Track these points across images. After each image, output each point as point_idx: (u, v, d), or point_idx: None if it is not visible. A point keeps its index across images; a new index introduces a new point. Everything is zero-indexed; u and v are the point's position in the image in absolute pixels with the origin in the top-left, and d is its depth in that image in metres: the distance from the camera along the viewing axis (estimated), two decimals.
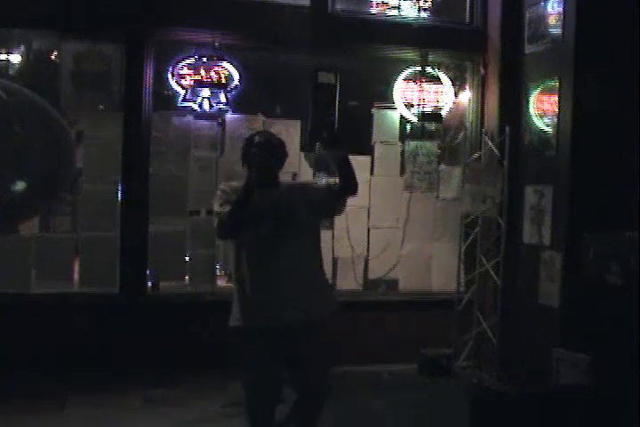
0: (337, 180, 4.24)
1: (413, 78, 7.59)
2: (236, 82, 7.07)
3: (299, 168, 7.28)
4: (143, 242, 6.89)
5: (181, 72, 6.96)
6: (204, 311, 6.81)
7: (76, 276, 6.85)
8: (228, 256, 7.05)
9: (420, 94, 7.57)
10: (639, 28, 6.31)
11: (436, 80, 7.64)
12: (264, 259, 4.18)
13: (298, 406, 4.48)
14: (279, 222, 4.19)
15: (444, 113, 7.70)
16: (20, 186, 5.90)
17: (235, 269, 4.32)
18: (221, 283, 7.38)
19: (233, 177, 6.94)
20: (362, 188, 7.38)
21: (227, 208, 4.12)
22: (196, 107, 7.00)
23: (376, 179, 7.67)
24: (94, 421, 5.59)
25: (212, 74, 7.00)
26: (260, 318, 4.22)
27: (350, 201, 7.30)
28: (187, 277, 7.17)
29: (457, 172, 7.76)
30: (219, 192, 4.32)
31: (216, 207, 4.25)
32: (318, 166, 4.63)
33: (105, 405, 5.94)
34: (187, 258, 7.17)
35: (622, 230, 5.77)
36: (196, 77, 6.96)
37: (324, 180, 4.22)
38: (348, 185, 4.26)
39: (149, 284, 7.01)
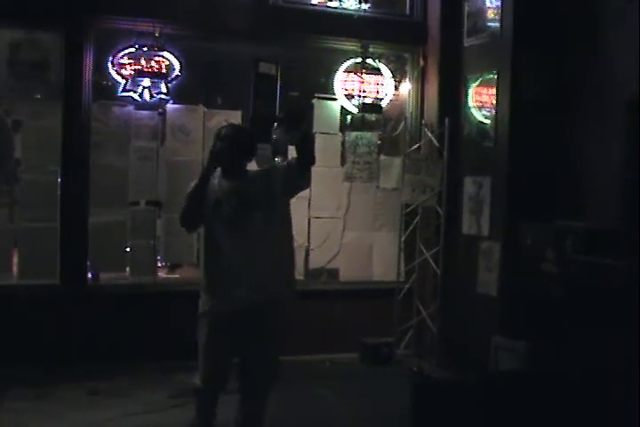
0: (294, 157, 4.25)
1: (354, 69, 7.66)
2: (176, 72, 7.05)
3: None
4: (83, 233, 6.83)
5: (122, 61, 6.92)
6: (145, 302, 6.79)
7: (15, 267, 6.75)
8: (168, 246, 7.09)
9: (360, 85, 7.65)
10: (573, 23, 6.44)
11: (377, 71, 7.72)
12: (229, 247, 4.26)
13: (246, 392, 4.49)
14: (244, 210, 4.26)
15: (384, 104, 7.79)
16: None
17: (203, 256, 4.42)
18: (162, 274, 7.36)
19: (174, 167, 6.97)
20: None
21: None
22: (136, 97, 6.96)
23: (316, 169, 7.53)
24: (35, 414, 5.51)
25: (153, 63, 6.97)
26: (224, 304, 4.28)
27: None
28: (127, 269, 7.12)
29: (397, 162, 7.83)
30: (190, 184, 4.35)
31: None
32: (275, 152, 4.65)
33: (46, 398, 5.86)
34: (127, 249, 7.12)
35: (559, 219, 5.89)
36: (137, 67, 6.93)
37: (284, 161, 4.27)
38: (308, 157, 4.23)
39: (90, 275, 6.95)
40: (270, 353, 4.47)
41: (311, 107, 7.73)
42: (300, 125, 4.19)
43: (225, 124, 4.75)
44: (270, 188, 4.31)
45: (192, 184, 4.33)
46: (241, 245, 4.25)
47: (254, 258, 4.25)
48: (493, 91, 6.81)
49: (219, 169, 4.34)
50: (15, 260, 6.77)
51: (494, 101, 6.79)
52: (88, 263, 6.89)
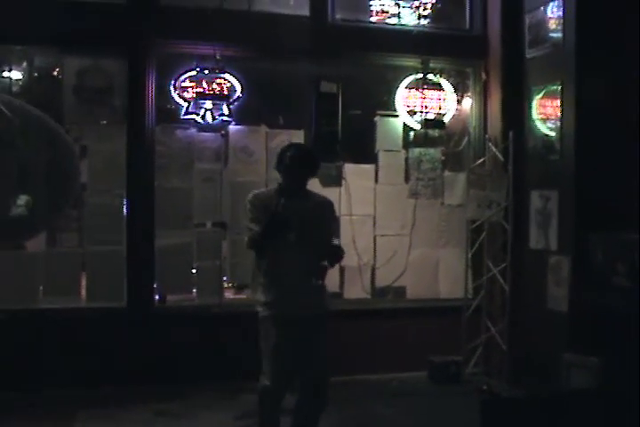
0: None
1: (415, 86, 7.61)
2: (238, 93, 7.09)
3: None
4: (150, 255, 6.89)
5: (184, 85, 6.99)
6: (212, 324, 6.82)
7: (83, 291, 6.85)
8: (234, 267, 7.11)
9: (422, 101, 7.59)
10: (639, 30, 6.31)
11: (438, 87, 7.66)
12: (287, 261, 4.64)
13: (299, 406, 4.81)
14: (302, 232, 4.60)
15: (446, 119, 7.72)
16: (25, 202, 5.93)
17: (264, 264, 4.75)
18: (229, 295, 7.38)
19: (238, 188, 6.99)
20: (367, 196, 7.49)
21: (256, 225, 4.61)
22: (198, 119, 7.02)
23: (381, 187, 7.67)
24: None
25: (214, 86, 7.02)
26: (282, 308, 4.65)
27: (356, 210, 7.38)
28: (194, 290, 7.16)
29: (461, 178, 7.74)
30: (248, 206, 4.74)
31: (247, 222, 4.71)
32: None
33: (115, 419, 5.92)
34: (194, 270, 7.16)
35: (629, 232, 5.75)
36: (199, 90, 6.99)
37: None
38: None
39: (157, 297, 7.01)
40: (324, 359, 4.77)
41: (374, 124, 7.72)
42: (336, 258, 4.72)
43: (287, 143, 5.12)
44: (323, 221, 4.80)
45: (253, 229, 4.64)
46: (304, 259, 4.60)
47: (307, 275, 4.64)
48: (558, 102, 6.70)
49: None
50: (83, 283, 6.86)
51: (559, 113, 6.67)
52: (155, 285, 6.95)
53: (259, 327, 4.73)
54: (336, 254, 4.69)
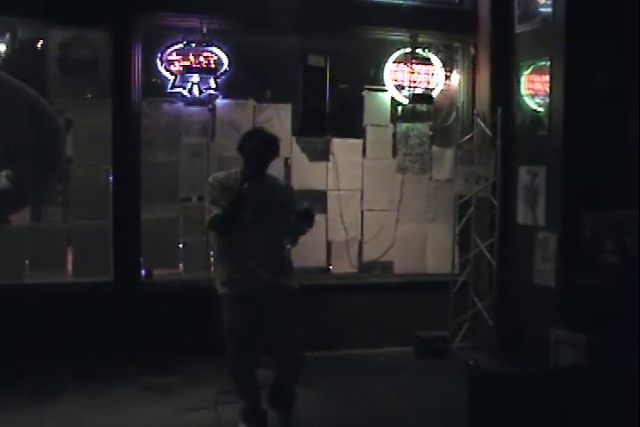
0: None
1: (404, 60, 7.57)
2: (225, 67, 7.03)
3: (291, 153, 7.28)
4: (136, 230, 6.85)
5: (170, 58, 6.92)
6: (199, 298, 6.76)
7: (69, 265, 6.81)
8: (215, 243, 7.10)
9: (410, 76, 7.56)
10: (629, 6, 6.27)
11: (427, 61, 7.62)
12: (246, 239, 4.85)
13: (274, 380, 5.08)
14: (267, 211, 4.87)
15: (435, 94, 7.68)
16: (9, 176, 5.87)
17: (219, 245, 5.03)
18: None
19: (224, 162, 6.93)
20: (354, 171, 7.47)
21: (216, 208, 4.83)
22: (185, 93, 6.96)
23: (368, 162, 7.64)
24: (92, 409, 5.56)
25: (201, 59, 6.95)
26: (243, 285, 4.89)
27: (343, 185, 7.37)
28: (181, 265, 7.15)
29: (449, 153, 7.74)
30: (207, 188, 4.99)
31: (207, 204, 4.97)
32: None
33: (103, 393, 5.92)
34: (180, 245, 7.13)
35: (617, 209, 5.75)
36: (185, 63, 6.92)
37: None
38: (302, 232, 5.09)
39: (144, 272, 6.98)
40: (292, 334, 4.90)
41: (362, 99, 7.67)
42: (311, 222, 4.88)
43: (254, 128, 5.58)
44: (284, 205, 4.97)
45: (213, 211, 4.86)
46: (260, 240, 4.84)
47: (269, 256, 4.91)
48: (546, 78, 6.68)
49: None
50: (69, 257, 6.82)
51: (547, 89, 6.65)
52: (141, 260, 6.92)
53: (219, 305, 4.97)
54: (308, 214, 4.85)
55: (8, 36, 6.90)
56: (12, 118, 5.98)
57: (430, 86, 7.62)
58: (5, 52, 6.85)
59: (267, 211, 4.87)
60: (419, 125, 7.78)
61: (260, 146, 4.89)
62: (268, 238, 4.90)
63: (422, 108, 7.76)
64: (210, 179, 5.04)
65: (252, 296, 4.85)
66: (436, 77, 7.66)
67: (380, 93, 7.68)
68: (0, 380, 5.87)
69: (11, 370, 6.02)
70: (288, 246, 5.14)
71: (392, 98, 7.66)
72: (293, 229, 5.01)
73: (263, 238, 4.87)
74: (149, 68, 6.94)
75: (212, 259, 5.31)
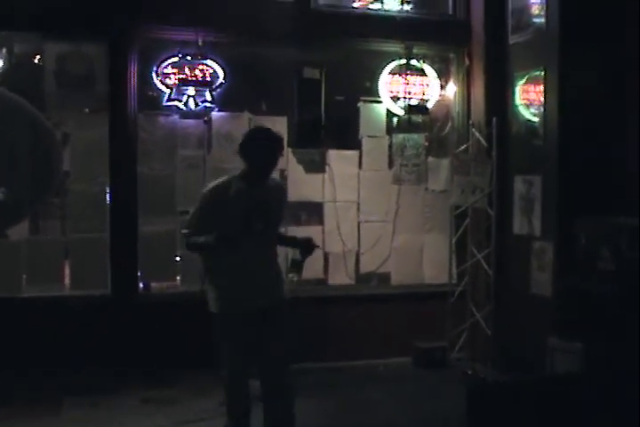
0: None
1: (398, 71, 7.59)
2: (220, 79, 7.06)
3: (287, 165, 7.29)
4: (133, 243, 6.87)
5: (166, 71, 6.94)
6: (196, 310, 6.76)
7: (67, 279, 6.83)
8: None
9: (405, 87, 7.58)
10: (623, 16, 6.31)
11: (422, 72, 7.65)
12: (249, 254, 4.55)
13: (264, 400, 4.77)
14: (264, 223, 4.60)
15: (430, 105, 7.71)
16: (6, 190, 5.87)
17: (215, 259, 4.68)
18: None
19: (221, 175, 6.88)
20: (351, 182, 7.49)
21: (195, 225, 4.61)
22: (181, 106, 6.99)
23: (364, 173, 7.67)
24: (90, 422, 5.58)
25: (197, 72, 6.98)
26: (238, 304, 4.62)
27: (340, 196, 7.39)
28: (178, 278, 7.15)
29: (445, 163, 7.75)
30: (202, 198, 4.68)
31: (191, 214, 4.73)
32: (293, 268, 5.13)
33: (101, 406, 5.93)
34: (177, 258, 7.14)
35: (612, 217, 5.77)
36: (181, 76, 6.95)
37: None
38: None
39: (141, 285, 6.99)
40: (281, 350, 4.70)
41: (357, 110, 7.70)
42: (311, 252, 4.74)
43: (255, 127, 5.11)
44: (279, 209, 4.79)
45: (190, 233, 4.63)
46: (257, 251, 4.59)
47: (266, 265, 4.70)
48: (541, 88, 6.70)
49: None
50: (67, 271, 6.84)
51: (542, 99, 6.68)
52: (139, 273, 6.93)
53: (214, 321, 4.75)
54: (309, 244, 4.75)
55: (5, 50, 6.93)
56: (9, 132, 5.98)
57: (425, 97, 7.65)
58: (2, 67, 6.87)
59: (268, 218, 4.62)
60: (414, 136, 7.80)
61: (266, 146, 4.56)
62: (266, 246, 4.68)
63: (418, 118, 7.78)
64: (207, 189, 4.71)
65: (252, 312, 4.59)
66: (431, 88, 7.69)
67: (375, 105, 7.71)
68: None
69: (9, 383, 6.01)
70: (295, 279, 4.86)
71: (387, 109, 7.69)
72: (296, 261, 4.78)
73: (264, 247, 4.66)
74: (145, 81, 6.96)
75: (205, 270, 4.89)
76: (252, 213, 4.51)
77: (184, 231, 4.71)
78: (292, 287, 5.26)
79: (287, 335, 4.74)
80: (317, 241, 7.04)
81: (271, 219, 4.64)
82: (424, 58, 7.70)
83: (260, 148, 4.53)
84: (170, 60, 6.94)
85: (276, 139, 4.64)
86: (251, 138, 4.63)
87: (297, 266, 4.78)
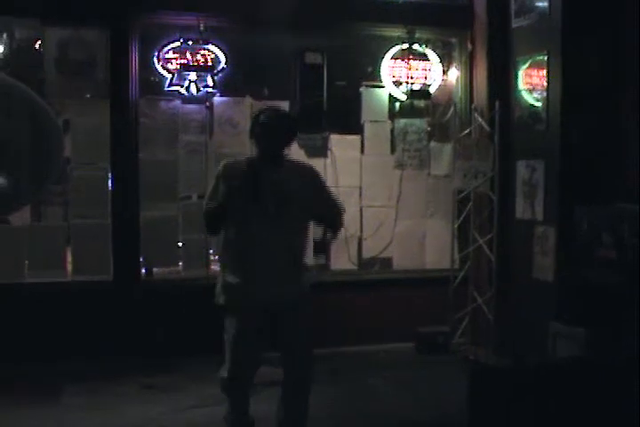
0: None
1: (401, 56, 7.56)
2: (222, 64, 7.03)
3: (289, 150, 7.24)
4: (135, 228, 6.87)
5: (167, 56, 6.92)
6: (198, 296, 6.76)
7: (69, 265, 6.83)
8: (220, 239, 7.10)
9: (407, 72, 7.56)
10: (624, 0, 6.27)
11: (424, 57, 7.61)
12: (257, 237, 4.26)
13: (284, 390, 4.52)
14: (279, 205, 4.25)
15: (432, 90, 7.68)
16: (8, 176, 5.87)
17: (226, 241, 4.40)
18: (215, 267, 7.35)
19: (223, 160, 6.92)
20: (353, 167, 7.46)
21: (210, 198, 4.36)
22: (183, 91, 6.97)
23: (367, 158, 7.65)
24: (91, 409, 5.57)
25: (199, 57, 6.97)
26: (249, 297, 4.31)
27: (342, 181, 7.36)
28: (180, 263, 7.16)
29: (447, 148, 7.73)
30: (215, 181, 4.41)
31: (207, 197, 4.44)
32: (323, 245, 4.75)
33: (101, 392, 5.93)
34: (179, 243, 7.15)
35: (614, 202, 5.76)
36: (182, 61, 6.93)
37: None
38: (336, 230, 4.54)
39: (143, 270, 7.00)
40: (305, 346, 4.46)
41: (359, 95, 7.67)
42: (337, 224, 4.48)
43: (264, 107, 4.60)
44: (308, 193, 4.36)
45: (209, 204, 4.38)
46: (272, 237, 4.24)
47: (282, 255, 4.29)
48: (544, 72, 6.65)
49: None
50: (69, 257, 6.85)
51: (545, 83, 6.64)
52: (141, 259, 6.94)
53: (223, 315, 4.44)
54: (336, 216, 4.48)
55: (5, 35, 6.91)
56: (10, 118, 5.97)
57: (428, 82, 7.62)
58: (3, 53, 6.86)
59: (285, 202, 4.23)
60: (417, 121, 7.78)
61: (269, 124, 4.26)
62: (285, 235, 4.28)
63: (420, 103, 7.76)
64: (221, 166, 4.45)
65: (263, 307, 4.28)
66: (434, 73, 7.65)
67: (377, 90, 7.67)
68: None
69: (10, 369, 6.02)
70: (329, 236, 4.44)
71: (390, 94, 7.66)
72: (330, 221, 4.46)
73: (282, 235, 4.25)
74: (146, 66, 6.94)
75: (218, 257, 4.62)
76: (261, 193, 4.19)
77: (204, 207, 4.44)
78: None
79: (306, 334, 4.45)
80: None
81: (291, 203, 4.25)
82: (426, 42, 7.65)
83: (264, 129, 4.28)
84: (171, 46, 6.91)
85: (280, 118, 4.37)
86: (255, 120, 4.38)
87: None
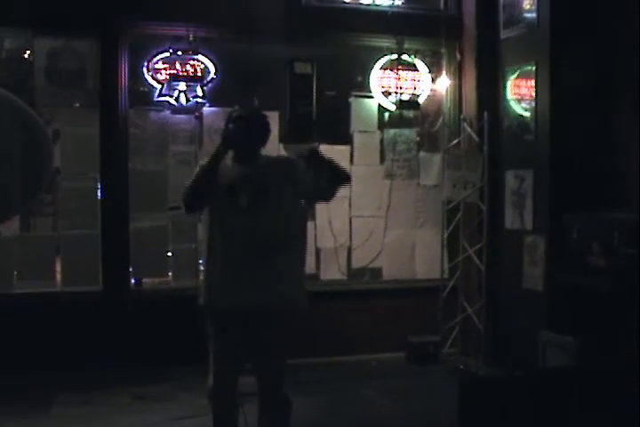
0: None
1: (390, 66, 7.59)
2: (211, 75, 7.05)
3: None
4: (125, 239, 6.86)
5: (157, 66, 6.93)
6: (188, 306, 6.74)
7: (58, 275, 6.81)
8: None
9: (397, 82, 7.59)
10: (613, 11, 6.31)
11: (413, 67, 7.65)
12: (236, 236, 4.05)
13: (260, 401, 4.33)
14: (254, 197, 4.07)
15: (421, 100, 7.71)
16: None
17: (206, 245, 4.22)
18: None
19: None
20: None
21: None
22: (172, 101, 6.98)
23: (356, 168, 7.64)
24: (82, 420, 5.55)
25: (188, 67, 6.98)
26: (225, 299, 4.11)
27: None
28: (170, 273, 7.14)
29: (437, 158, 7.76)
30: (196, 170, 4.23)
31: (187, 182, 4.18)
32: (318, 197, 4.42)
33: (92, 403, 5.92)
34: (169, 254, 7.13)
35: (604, 212, 5.78)
36: (172, 71, 6.94)
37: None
38: (342, 176, 4.27)
39: (133, 281, 6.99)
40: (279, 362, 4.29)
41: (349, 105, 7.69)
42: (322, 162, 4.15)
43: (236, 107, 4.45)
44: (289, 182, 4.15)
45: (201, 163, 4.20)
46: (250, 232, 4.01)
47: (264, 248, 4.03)
48: (532, 83, 6.70)
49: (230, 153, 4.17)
50: (58, 267, 6.83)
51: (533, 94, 6.68)
52: (130, 269, 6.92)
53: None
54: (315, 156, 4.14)
55: None
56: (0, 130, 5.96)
57: (417, 92, 7.66)
58: None
59: (259, 193, 4.05)
60: (406, 131, 7.81)
61: (236, 127, 4.12)
62: (265, 228, 4.03)
63: (409, 114, 7.79)
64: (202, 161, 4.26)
65: (240, 313, 4.06)
66: (423, 83, 7.69)
67: (366, 100, 7.70)
68: None
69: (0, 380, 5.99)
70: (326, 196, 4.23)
71: (379, 104, 7.69)
72: (319, 184, 4.12)
73: (256, 230, 4.02)
74: (136, 76, 6.95)
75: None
76: (235, 185, 4.05)
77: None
78: None
79: (285, 348, 4.28)
80: (309, 236, 7.14)
81: (265, 194, 4.06)
82: (415, 53, 7.69)
83: (232, 129, 4.13)
84: (161, 56, 6.93)
85: (245, 117, 4.22)
86: (228, 119, 4.24)
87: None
